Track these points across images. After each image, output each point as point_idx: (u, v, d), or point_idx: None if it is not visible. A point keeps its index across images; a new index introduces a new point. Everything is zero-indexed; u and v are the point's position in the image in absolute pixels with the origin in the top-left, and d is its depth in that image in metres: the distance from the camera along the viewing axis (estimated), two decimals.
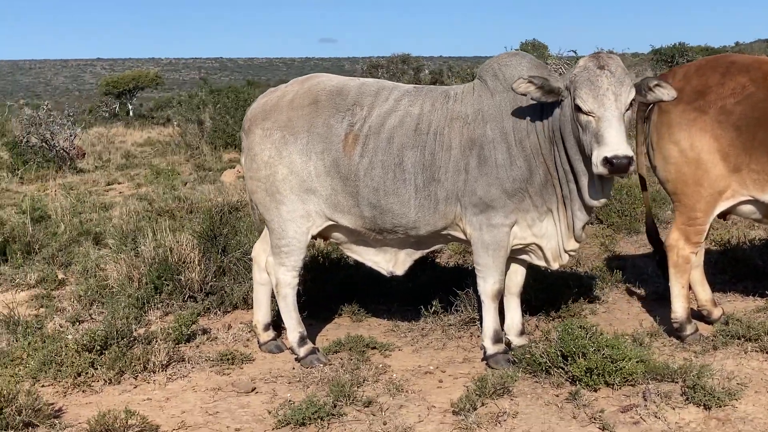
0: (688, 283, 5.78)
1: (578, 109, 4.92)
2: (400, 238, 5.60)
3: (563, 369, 5.00)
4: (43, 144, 19.60)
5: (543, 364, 5.08)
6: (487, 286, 5.47)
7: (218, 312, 6.87)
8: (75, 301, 7.31)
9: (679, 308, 5.73)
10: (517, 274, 5.73)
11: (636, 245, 8.57)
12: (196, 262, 7.13)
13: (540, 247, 5.46)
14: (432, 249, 5.84)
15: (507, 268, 5.63)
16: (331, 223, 5.66)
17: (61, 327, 6.75)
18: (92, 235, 10.17)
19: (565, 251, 5.44)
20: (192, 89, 42.48)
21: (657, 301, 6.63)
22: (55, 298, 7.76)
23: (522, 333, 5.77)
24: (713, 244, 7.98)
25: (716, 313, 6.04)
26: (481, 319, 5.98)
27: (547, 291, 6.30)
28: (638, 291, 6.96)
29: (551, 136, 5.18)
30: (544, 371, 5.10)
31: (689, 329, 5.72)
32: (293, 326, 5.85)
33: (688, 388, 4.78)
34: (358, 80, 5.71)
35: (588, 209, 5.29)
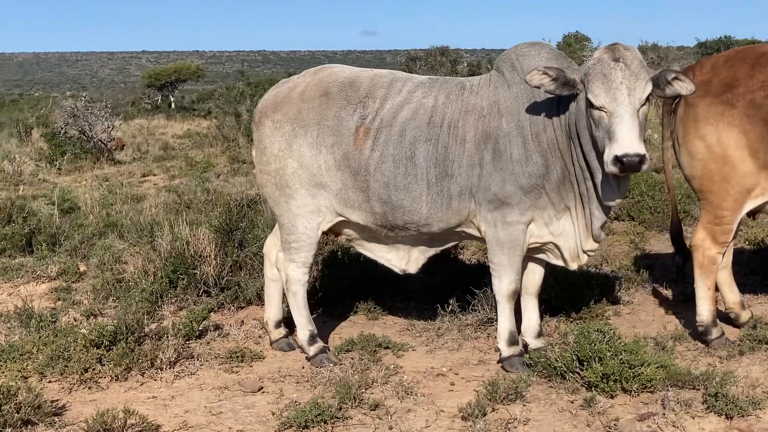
0: (714, 284, 5.52)
1: (590, 103, 4.71)
2: (412, 235, 5.42)
3: (579, 374, 4.78)
4: (81, 135, 19.71)
5: (558, 368, 4.87)
6: (502, 285, 5.26)
7: (232, 307, 6.74)
8: (91, 295, 7.22)
9: (704, 311, 5.48)
10: (535, 274, 5.52)
11: (667, 243, 8.25)
12: (212, 257, 7.00)
13: (557, 246, 5.25)
14: (446, 246, 5.64)
15: (524, 267, 5.43)
16: (341, 218, 5.49)
17: (75, 321, 6.66)
18: (118, 228, 10.11)
19: (584, 251, 5.22)
20: (232, 82, 42.63)
21: (685, 302, 6.36)
22: (74, 291, 7.69)
23: (539, 335, 5.56)
24: (746, 242, 7.69)
25: (744, 316, 5.77)
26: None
27: (568, 291, 6.07)
28: (665, 292, 6.70)
29: (568, 131, 4.96)
30: (559, 376, 4.89)
31: (715, 333, 5.47)
32: (303, 324, 5.69)
33: (709, 396, 4.54)
34: (372, 71, 5.52)
35: (605, 208, 5.06)
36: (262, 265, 6.85)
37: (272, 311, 5.96)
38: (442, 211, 5.21)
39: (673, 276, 7.02)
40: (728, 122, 5.25)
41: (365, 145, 5.24)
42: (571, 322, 6.02)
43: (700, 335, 5.53)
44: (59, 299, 7.43)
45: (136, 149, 21.91)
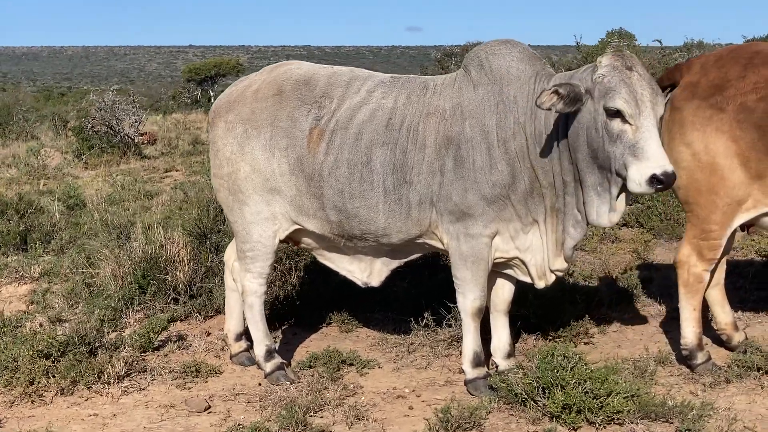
0: (700, 305, 5.06)
1: (614, 114, 4.25)
2: (372, 246, 5.04)
3: (541, 403, 4.36)
4: (109, 130, 19.59)
5: (519, 395, 4.45)
6: (466, 302, 4.86)
7: (200, 316, 6.39)
8: (61, 299, 6.94)
9: (689, 333, 5.03)
10: (504, 290, 5.10)
11: (673, 254, 7.81)
12: (185, 262, 6.68)
13: (524, 262, 4.82)
14: (411, 258, 5.24)
15: (492, 282, 5.02)
16: (298, 226, 5.12)
17: (41, 327, 6.37)
18: (117, 227, 9.84)
19: (552, 270, 4.78)
20: None
21: (676, 320, 5.88)
22: (51, 294, 7.41)
23: (510, 355, 5.14)
24: (756, 254, 7.17)
25: (737, 338, 5.29)
26: None
27: (548, 307, 5.63)
28: (659, 307, 6.23)
29: (551, 143, 4.51)
30: (520, 403, 4.48)
31: (700, 357, 5.00)
32: (260, 339, 5.33)
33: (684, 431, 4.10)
34: (330, 69, 5.15)
35: (582, 228, 4.62)
36: None
37: (233, 323, 5.62)
38: (401, 221, 4.82)
39: (672, 290, 6.55)
40: (717, 128, 4.79)
41: (319, 148, 4.87)
42: (550, 341, 5.59)
43: (684, 359, 5.07)
44: (33, 302, 7.16)
45: (167, 144, 21.77)
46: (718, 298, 5.27)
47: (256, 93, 5.08)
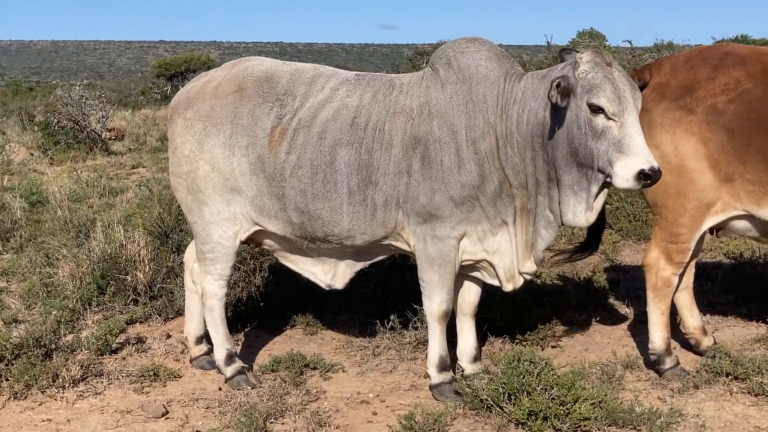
0: (668, 309, 4.98)
1: (598, 111, 4.16)
2: (336, 248, 4.91)
3: (506, 409, 4.26)
4: (75, 125, 19.31)
5: (485, 401, 4.35)
6: (432, 305, 4.75)
7: (159, 318, 6.23)
8: (18, 300, 6.75)
9: (657, 338, 4.95)
10: (471, 293, 4.99)
11: (641, 255, 7.75)
12: (146, 262, 6.52)
13: (492, 265, 4.72)
14: (376, 260, 5.12)
15: (459, 285, 4.91)
16: (259, 227, 4.99)
17: None
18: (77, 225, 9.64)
19: (520, 272, 4.68)
20: None
21: (645, 323, 5.81)
22: (7, 293, 7.22)
23: (476, 359, 5.03)
24: (724, 257, 7.13)
25: (706, 342, 5.22)
26: None
27: (515, 309, 5.53)
28: (626, 310, 6.16)
29: (523, 141, 4.41)
30: (486, 409, 4.37)
31: (669, 362, 4.93)
32: (220, 342, 5.19)
33: None
34: (293, 65, 5.02)
35: (554, 229, 4.53)
36: None
37: (193, 326, 5.47)
38: (365, 222, 4.70)
39: (640, 292, 6.49)
40: (686, 129, 4.71)
41: (281, 147, 4.74)
42: (517, 344, 5.50)
43: (652, 364, 5.00)
44: None
45: (134, 140, 21.51)
46: (686, 301, 5.20)
47: (216, 89, 4.94)
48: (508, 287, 4.75)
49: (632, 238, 8.04)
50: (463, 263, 4.72)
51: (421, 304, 5.54)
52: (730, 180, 4.69)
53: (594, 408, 4.15)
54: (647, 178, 4.09)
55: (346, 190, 4.64)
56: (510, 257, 4.65)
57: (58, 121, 19.43)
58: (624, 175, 4.11)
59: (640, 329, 5.75)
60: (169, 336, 5.97)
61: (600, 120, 4.15)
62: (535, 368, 4.23)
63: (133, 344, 5.72)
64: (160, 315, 6.23)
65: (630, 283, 6.66)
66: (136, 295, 6.40)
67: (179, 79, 50.55)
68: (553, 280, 6.57)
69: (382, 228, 4.71)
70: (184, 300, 6.20)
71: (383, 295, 6.33)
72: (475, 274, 4.88)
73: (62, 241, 7.19)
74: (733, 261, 7.04)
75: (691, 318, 5.22)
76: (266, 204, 4.84)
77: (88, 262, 6.59)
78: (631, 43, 15.73)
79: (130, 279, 6.42)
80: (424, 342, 5.52)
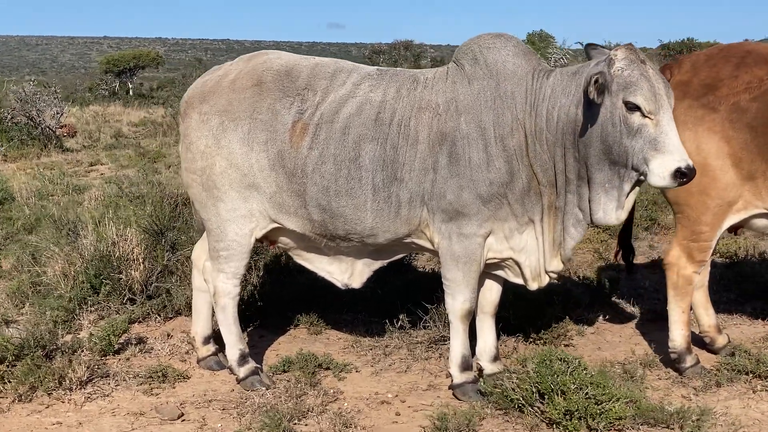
0: (689, 307, 4.99)
1: (634, 108, 4.13)
2: (356, 247, 4.83)
3: (539, 409, 4.22)
4: (29, 121, 18.91)
5: (516, 401, 4.30)
6: (456, 304, 4.69)
7: (159, 318, 6.08)
8: (5, 300, 6.54)
9: (678, 336, 4.95)
10: (492, 291, 4.94)
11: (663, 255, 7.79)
12: (140, 260, 6.36)
13: (518, 263, 4.67)
14: (394, 258, 5.05)
15: (480, 284, 4.85)
16: (276, 225, 4.88)
17: None
18: (52, 222, 9.39)
19: (547, 271, 4.64)
20: (190, 70, 41.65)
21: (654, 321, 5.85)
22: None
23: (496, 358, 4.99)
24: (717, 256, 7.18)
25: (721, 340, 5.24)
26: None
27: (528, 308, 5.50)
28: (631, 309, 6.16)
29: (553, 138, 4.37)
30: (516, 409, 4.33)
31: (689, 361, 4.93)
32: (233, 342, 5.07)
33: None
34: (312, 60, 4.91)
35: (583, 228, 4.50)
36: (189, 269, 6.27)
37: (200, 325, 5.34)
38: (389, 220, 4.62)
39: (640, 290, 6.54)
40: (709, 128, 4.72)
41: (302, 142, 4.64)
42: (531, 343, 5.47)
43: (673, 362, 5.00)
44: None
45: (87, 137, 21.12)
46: (701, 300, 5.21)
47: (234, 83, 4.82)
48: (533, 286, 4.71)
49: None
50: (488, 261, 4.67)
51: (432, 302, 5.54)
52: (752, 178, 4.70)
53: (626, 407, 4.12)
54: (683, 176, 4.08)
55: (371, 186, 4.56)
56: (536, 255, 4.61)
57: (12, 117, 19.03)
58: (660, 173, 4.10)
59: (648, 328, 5.77)
60: (170, 336, 5.82)
61: (636, 118, 4.13)
62: (568, 367, 4.19)
63: (135, 345, 5.57)
64: (159, 315, 6.08)
65: (628, 282, 6.68)
66: (132, 295, 6.24)
67: (128, 76, 49.92)
68: (557, 279, 6.54)
69: (405, 226, 4.64)
70: (182, 299, 6.11)
71: (383, 294, 6.26)
72: (499, 272, 4.83)
73: (51, 239, 6.97)
74: (727, 260, 7.09)
75: (707, 316, 5.23)
76: (286, 201, 4.73)
77: (80, 260, 6.40)
78: (582, 44, 15.75)
79: (125, 278, 6.25)
80: (436, 341, 5.50)
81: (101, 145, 19.61)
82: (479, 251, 4.57)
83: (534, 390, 4.22)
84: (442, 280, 4.72)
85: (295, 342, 5.77)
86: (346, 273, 5.01)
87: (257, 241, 5.02)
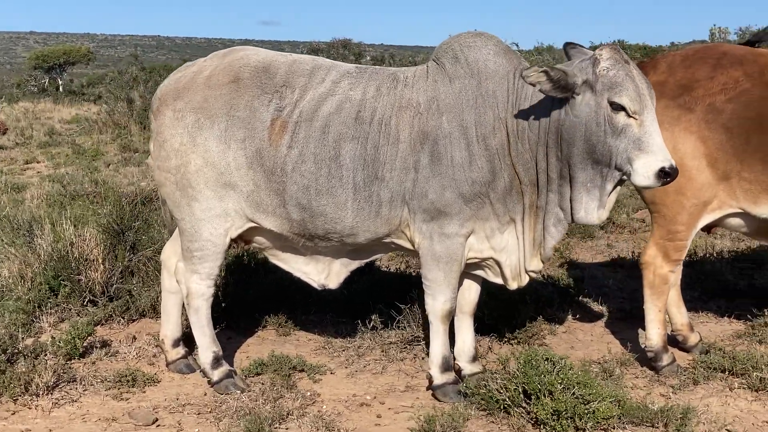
0: (665, 306, 5.03)
1: (619, 108, 4.14)
2: (334, 246, 4.76)
3: (525, 409, 4.20)
4: None
5: (501, 401, 4.28)
6: (436, 304, 4.65)
7: (122, 320, 5.93)
8: None
9: (654, 335, 4.99)
10: (471, 291, 4.92)
11: (592, 252, 7.89)
12: (100, 261, 6.19)
13: (498, 263, 4.65)
14: (372, 258, 5.00)
15: (459, 283, 4.82)
16: (252, 224, 4.78)
17: None
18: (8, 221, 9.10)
19: (527, 270, 4.64)
20: (125, 66, 40.93)
21: (623, 320, 5.90)
22: None
23: (475, 359, 4.97)
24: None
25: (693, 339, 5.31)
26: (427, 339, 5.22)
27: (502, 308, 5.49)
28: (599, 308, 6.20)
29: (535, 137, 4.36)
30: (501, 410, 4.30)
31: (666, 359, 4.97)
32: (207, 345, 4.96)
33: None
34: (290, 56, 4.83)
35: (563, 227, 4.50)
36: (159, 273, 6.12)
37: (170, 327, 5.21)
38: (370, 219, 4.56)
39: (605, 289, 6.59)
40: (685, 128, 4.76)
41: (282, 141, 4.55)
42: (506, 343, 5.47)
43: (649, 361, 5.03)
44: None
45: (19, 134, 20.57)
46: (674, 299, 5.26)
47: (209, 80, 4.71)
48: (513, 285, 4.70)
49: (577, 236, 8.13)
50: (469, 261, 4.64)
51: (401, 300, 5.50)
52: (727, 178, 4.76)
53: (612, 406, 4.13)
54: (667, 176, 4.12)
55: (352, 185, 4.50)
56: (517, 255, 4.60)
57: None
58: (644, 173, 4.12)
59: (618, 326, 5.82)
60: (135, 338, 5.67)
61: (621, 118, 4.14)
62: (554, 367, 4.18)
63: (100, 348, 5.42)
64: (122, 317, 5.92)
65: (592, 281, 6.73)
66: (93, 296, 6.07)
67: (57, 72, 48.91)
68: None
69: (386, 225, 4.59)
70: (146, 301, 5.97)
71: (349, 294, 6.19)
72: (479, 272, 4.81)
73: (5, 239, 6.74)
74: (687, 259, 7.18)
75: (679, 315, 5.29)
76: (264, 200, 4.64)
77: (38, 261, 6.21)
78: (518, 45, 16.11)
79: (84, 279, 6.08)
80: (410, 341, 5.46)
81: (35, 143, 19.09)
82: (460, 251, 4.54)
83: (520, 390, 4.20)
84: (423, 280, 4.68)
85: (264, 344, 5.68)
86: (322, 273, 4.93)
87: (231, 241, 4.91)
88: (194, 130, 4.67)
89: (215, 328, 5.70)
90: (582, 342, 5.61)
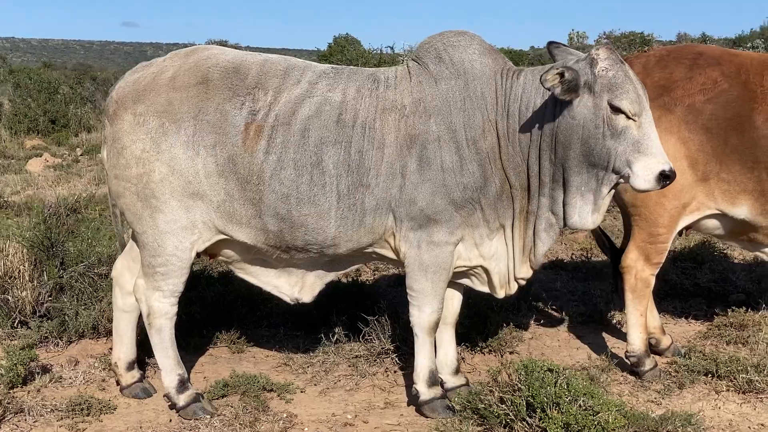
0: (646, 310, 4.96)
1: (619, 110, 4.01)
2: (311, 258, 4.47)
3: (528, 423, 4.02)
4: None
5: (503, 416, 4.09)
6: (423, 316, 4.43)
7: (60, 342, 5.45)
8: None
9: (636, 340, 4.91)
10: (454, 301, 4.72)
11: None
12: (27, 278, 5.70)
13: (487, 271, 4.47)
14: (348, 270, 4.74)
15: None
16: (222, 237, 4.44)
17: None
18: None
19: (516, 278, 4.47)
20: None
21: (583, 324, 5.83)
22: None
23: (457, 371, 4.77)
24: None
25: (666, 341, 5.26)
26: (397, 352, 5.04)
27: (474, 316, 5.31)
28: (559, 313, 6.11)
29: (527, 140, 4.19)
30: (503, 426, 4.11)
31: (648, 364, 4.90)
32: (171, 367, 4.59)
33: None
34: (260, 56, 4.51)
35: (555, 232, 4.35)
36: (94, 289, 5.71)
37: (123, 350, 4.80)
38: (353, 229, 4.30)
39: (556, 293, 6.52)
40: (666, 129, 4.70)
41: (258, 146, 4.23)
42: (479, 352, 5.30)
43: (631, 367, 4.95)
44: None
45: None
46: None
47: (174, 81, 4.34)
48: (501, 294, 4.53)
49: None
50: (457, 269, 4.44)
51: (372, 314, 5.26)
52: (706, 179, 4.73)
53: (618, 416, 4.00)
54: (666, 178, 4.03)
55: (335, 193, 4.23)
56: (506, 262, 4.43)
57: None
58: (645, 176, 4.02)
59: (581, 331, 5.75)
60: (77, 362, 5.23)
61: (621, 120, 4.03)
62: (557, 378, 4.03)
63: (41, 374, 4.96)
64: (60, 338, 5.45)
65: (542, 284, 6.63)
66: (24, 317, 5.58)
67: None
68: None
69: (369, 235, 4.34)
70: (85, 320, 5.52)
71: (296, 307, 5.90)
72: (464, 281, 4.62)
73: None
74: None
75: (651, 318, 5.22)
76: (237, 210, 4.31)
77: None
78: (392, 48, 16.47)
79: (12, 299, 5.58)
80: (378, 354, 5.21)
81: None
82: (449, 260, 4.34)
83: (524, 403, 4.02)
84: (408, 291, 4.45)
85: (219, 363, 5.32)
86: (295, 287, 4.64)
87: (197, 254, 4.55)
88: (158, 136, 4.30)
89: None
90: (551, 348, 5.49)
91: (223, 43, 34.35)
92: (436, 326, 4.48)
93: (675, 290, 6.40)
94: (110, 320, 5.44)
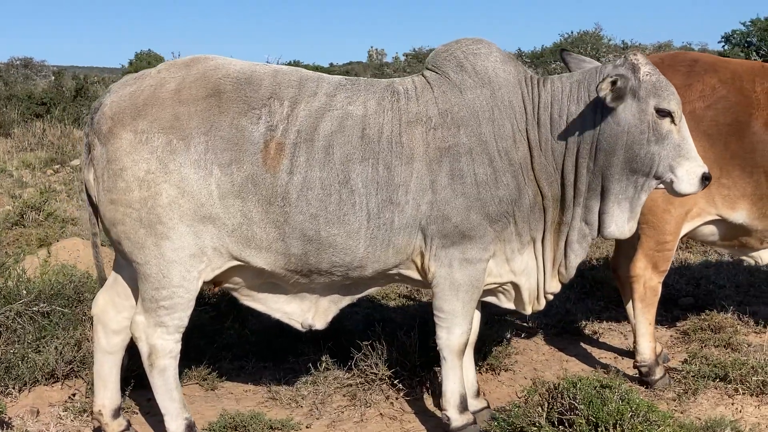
0: (654, 318, 4.92)
1: (665, 114, 3.93)
2: (332, 282, 4.14)
3: None
4: None
5: None
6: (452, 338, 4.18)
7: (13, 391, 4.81)
8: None
9: (646, 349, 4.86)
10: (475, 320, 4.48)
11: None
12: None
13: (517, 287, 4.28)
14: (365, 293, 4.41)
15: None
16: (234, 263, 4.03)
17: None
18: None
19: (545, 293, 4.31)
20: None
21: (561, 335, 5.77)
22: None
23: (478, 393, 4.56)
24: (597, 261, 7.30)
25: (656, 349, 5.24)
26: (395, 377, 4.78)
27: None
28: (533, 324, 6.00)
29: (561, 149, 4.04)
30: None
31: (658, 373, 4.87)
32: (177, 412, 4.11)
33: None
34: (269, 66, 4.12)
35: (587, 243, 4.21)
36: (36, 329, 5.11)
37: (108, 395, 4.27)
38: (381, 249, 4.00)
39: None
40: None
41: (280, 165, 3.86)
42: (479, 369, 5.09)
43: (641, 376, 4.90)
44: None
45: None
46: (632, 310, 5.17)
47: (179, 93, 3.89)
48: (529, 310, 4.35)
49: None
50: (486, 287, 4.23)
51: (364, 338, 4.98)
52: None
53: (676, 427, 3.91)
54: (707, 179, 4.03)
55: (366, 212, 3.92)
56: (536, 277, 4.26)
57: None
58: (689, 180, 3.99)
59: (562, 342, 5.69)
60: (38, 413, 4.62)
61: (666, 124, 3.97)
62: (613, 393, 3.89)
63: (4, 429, 4.34)
64: (13, 388, 4.80)
65: None
66: None
67: None
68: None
69: (396, 255, 4.05)
70: (29, 364, 4.91)
71: (254, 335, 5.55)
72: (490, 298, 4.40)
73: None
74: (581, 267, 7.20)
75: None
76: (256, 234, 3.91)
77: None
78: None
79: None
80: (372, 381, 4.93)
81: None
82: (482, 277, 4.12)
83: (583, 422, 3.85)
84: (435, 312, 4.18)
85: (197, 402, 4.85)
86: (308, 312, 4.28)
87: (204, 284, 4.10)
88: (165, 155, 3.85)
89: (126, 391, 4.82)
90: (540, 362, 5.37)
91: (27, 61, 32.65)
92: (465, 348, 4.24)
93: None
94: (67, 363, 4.93)
